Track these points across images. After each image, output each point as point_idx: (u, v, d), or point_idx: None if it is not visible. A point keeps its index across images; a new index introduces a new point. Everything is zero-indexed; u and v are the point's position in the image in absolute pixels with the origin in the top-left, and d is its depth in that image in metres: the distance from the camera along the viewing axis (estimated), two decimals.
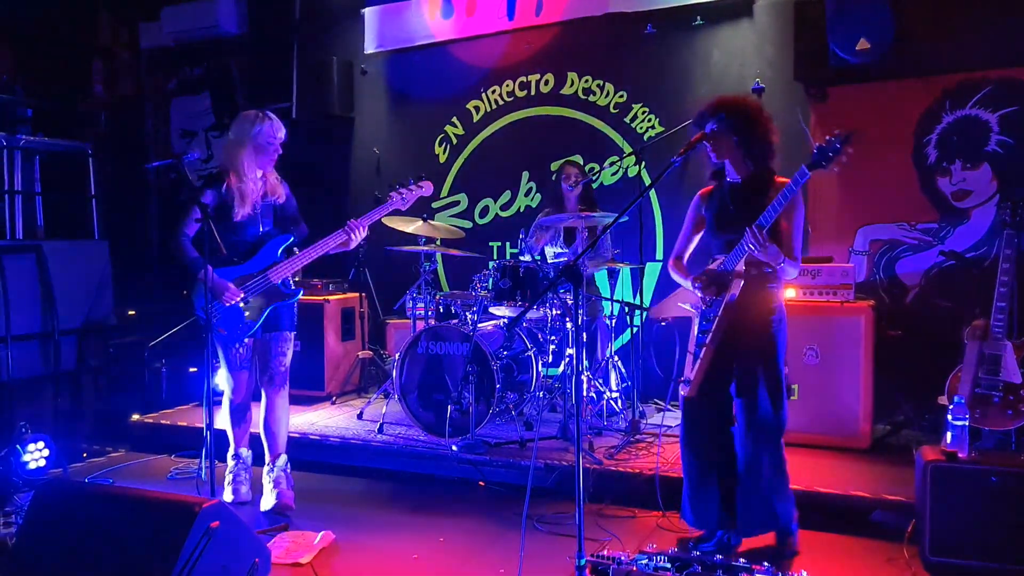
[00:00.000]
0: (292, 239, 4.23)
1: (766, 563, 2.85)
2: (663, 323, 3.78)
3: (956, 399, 3.46)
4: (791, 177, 3.26)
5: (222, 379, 4.27)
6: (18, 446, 4.49)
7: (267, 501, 4.20)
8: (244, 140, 4.07)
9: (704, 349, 3.41)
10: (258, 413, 4.30)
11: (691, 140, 3.59)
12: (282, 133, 4.17)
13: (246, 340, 4.15)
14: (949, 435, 3.42)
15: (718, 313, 3.39)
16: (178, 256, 4.05)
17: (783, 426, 3.44)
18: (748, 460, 3.44)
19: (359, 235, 4.11)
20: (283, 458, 4.28)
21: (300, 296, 4.27)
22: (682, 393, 3.54)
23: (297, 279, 6.23)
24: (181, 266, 4.07)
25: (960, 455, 3.38)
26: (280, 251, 4.18)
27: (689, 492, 3.62)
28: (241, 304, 4.06)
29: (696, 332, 3.52)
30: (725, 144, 3.42)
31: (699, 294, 3.49)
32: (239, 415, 4.30)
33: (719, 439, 3.53)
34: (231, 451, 4.35)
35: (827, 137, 3.12)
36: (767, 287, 3.42)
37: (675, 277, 3.71)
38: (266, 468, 4.28)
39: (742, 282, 3.36)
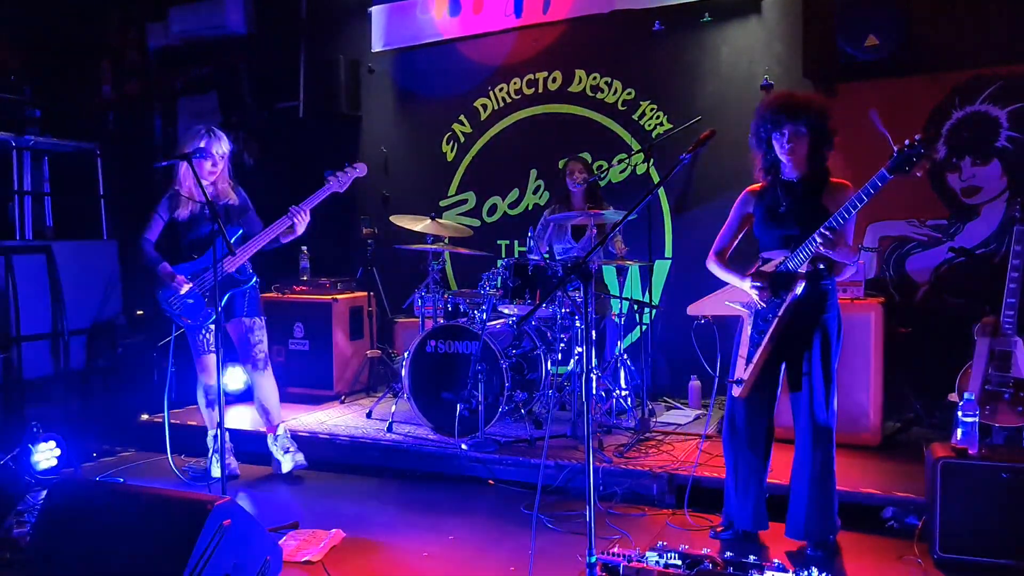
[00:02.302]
0: (241, 231, 4.57)
1: (777, 560, 2.85)
2: (702, 321, 3.78)
3: (966, 396, 3.46)
4: (843, 180, 3.36)
5: (232, 379, 4.49)
6: (30, 445, 4.51)
7: (286, 465, 4.70)
8: (182, 153, 4.43)
9: (760, 349, 3.40)
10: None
11: (699, 137, 3.58)
12: (217, 147, 4.48)
13: (211, 326, 4.53)
14: (959, 432, 3.42)
15: (777, 313, 3.37)
16: (140, 257, 4.55)
17: (832, 427, 3.43)
18: (798, 461, 3.49)
19: (302, 219, 4.42)
20: (283, 427, 4.76)
21: (253, 281, 4.64)
22: (735, 394, 3.52)
23: (305, 278, 6.30)
24: (143, 267, 4.55)
25: (970, 451, 3.37)
26: (232, 243, 4.47)
27: (729, 489, 3.66)
28: (203, 294, 4.47)
29: (750, 332, 3.48)
30: (800, 144, 3.38)
31: (755, 294, 3.45)
32: (211, 397, 4.65)
33: (759, 439, 3.56)
34: (210, 433, 4.74)
35: (907, 141, 3.05)
36: (820, 284, 3.41)
37: (719, 274, 3.65)
38: (270, 439, 4.76)
39: (803, 283, 3.33)
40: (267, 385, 4.70)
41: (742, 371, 3.47)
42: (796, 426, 3.50)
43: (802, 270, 3.34)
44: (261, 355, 4.65)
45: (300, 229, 4.44)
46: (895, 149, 3.08)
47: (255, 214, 4.67)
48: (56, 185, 7.17)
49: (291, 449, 4.73)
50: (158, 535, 2.90)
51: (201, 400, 4.74)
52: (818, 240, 3.22)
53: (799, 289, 3.33)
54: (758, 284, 3.43)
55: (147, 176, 8.08)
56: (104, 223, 7.34)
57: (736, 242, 3.71)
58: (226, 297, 4.50)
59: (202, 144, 4.38)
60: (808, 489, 3.44)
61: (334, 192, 4.48)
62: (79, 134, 7.50)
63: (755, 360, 3.42)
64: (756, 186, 3.61)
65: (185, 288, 4.42)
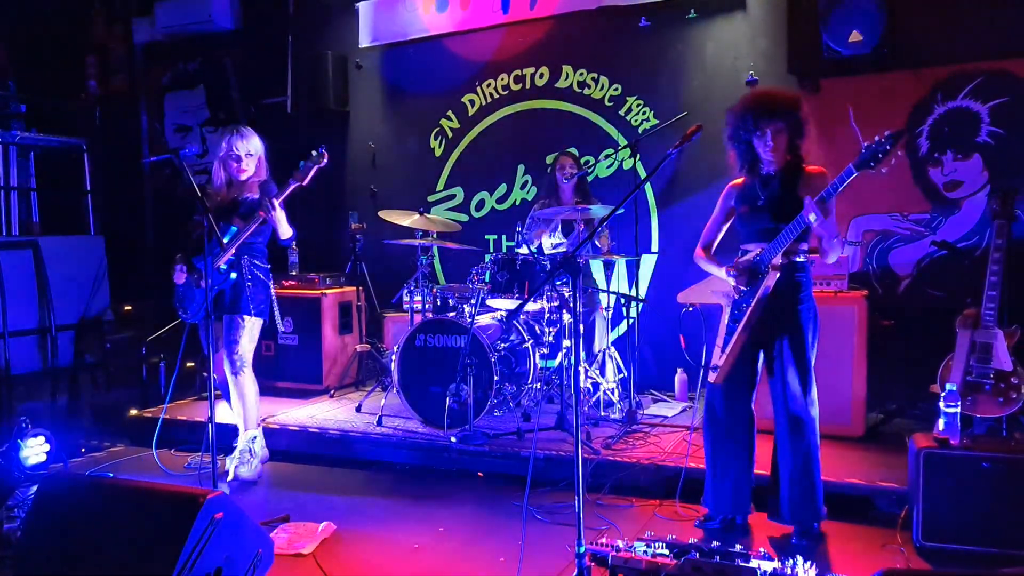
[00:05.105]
0: (235, 229, 4.40)
1: (763, 549, 2.90)
2: (690, 308, 3.86)
3: (948, 387, 3.51)
4: (819, 167, 3.44)
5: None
6: (19, 440, 4.50)
7: (229, 472, 4.54)
8: (218, 152, 4.50)
9: (735, 337, 3.48)
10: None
11: (686, 132, 3.64)
12: (239, 143, 4.46)
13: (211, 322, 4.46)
14: (941, 422, 3.47)
15: (750, 303, 3.45)
16: None
17: (814, 415, 3.49)
18: (778, 449, 3.55)
19: (271, 209, 4.29)
20: (247, 435, 4.61)
21: (231, 281, 4.44)
22: (710, 380, 3.60)
23: (294, 273, 6.31)
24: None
25: (952, 442, 3.43)
26: (227, 240, 4.39)
27: (709, 475, 3.72)
28: (198, 287, 4.44)
29: (727, 320, 3.58)
30: (781, 141, 3.45)
31: (733, 283, 3.55)
32: (223, 391, 4.66)
33: (739, 426, 3.62)
34: (241, 433, 4.66)
35: (875, 137, 3.11)
36: (795, 276, 3.48)
37: (704, 266, 3.75)
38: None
39: (778, 274, 3.41)
40: (234, 387, 4.54)
41: (718, 358, 3.56)
42: (775, 415, 3.57)
43: (776, 262, 3.41)
44: (236, 356, 4.47)
45: (278, 227, 4.36)
46: (863, 145, 3.15)
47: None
48: (42, 180, 7.14)
49: (247, 460, 4.57)
50: (149, 529, 2.91)
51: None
52: (808, 217, 3.24)
53: (771, 280, 3.41)
54: (734, 273, 3.54)
55: (134, 172, 8.07)
56: (91, 218, 7.31)
57: (721, 235, 3.79)
58: (215, 293, 4.42)
59: (224, 146, 4.45)
60: (790, 477, 3.51)
61: (299, 184, 4.33)
62: (65, 129, 7.46)
63: (729, 347, 3.51)
64: (738, 180, 3.68)
65: (180, 278, 4.45)
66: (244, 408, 4.57)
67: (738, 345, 3.50)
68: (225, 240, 4.35)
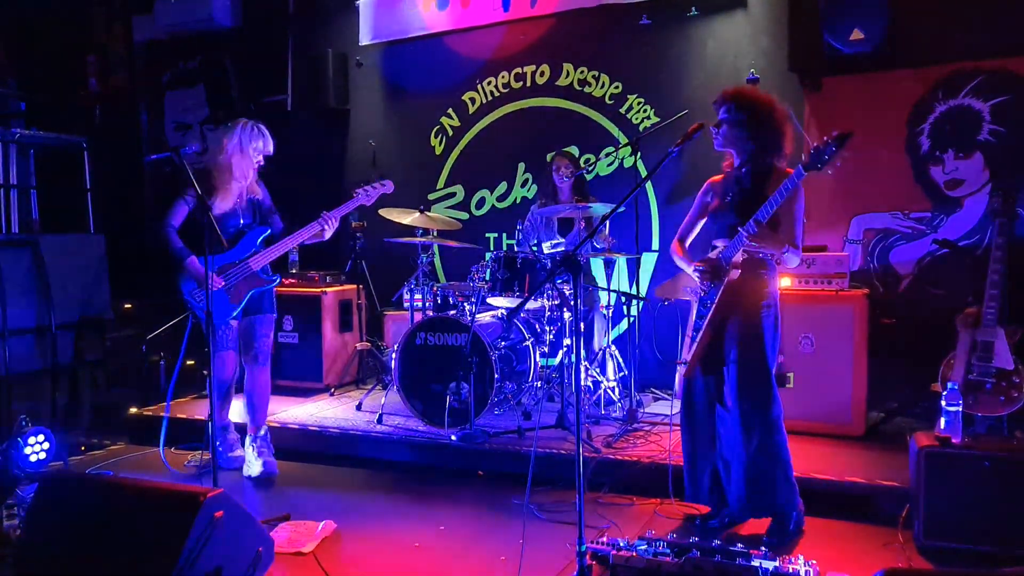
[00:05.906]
0: (269, 231, 4.57)
1: (763, 547, 2.89)
2: (665, 303, 3.90)
3: (949, 385, 3.51)
4: (794, 168, 3.41)
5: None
6: (19, 439, 4.50)
7: (254, 468, 4.59)
8: (236, 145, 4.44)
9: (701, 332, 3.53)
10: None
11: (688, 131, 3.65)
12: (270, 147, 4.55)
13: (231, 322, 4.50)
14: (942, 421, 3.47)
15: (714, 300, 3.50)
16: (163, 245, 4.42)
17: (774, 411, 3.49)
18: (737, 443, 3.53)
19: (332, 226, 4.48)
20: (264, 428, 4.70)
21: (278, 282, 4.63)
22: (679, 373, 3.64)
23: (294, 271, 6.31)
24: (166, 254, 4.43)
25: (954, 440, 3.43)
26: (259, 241, 4.53)
27: (687, 468, 3.76)
28: (226, 289, 4.43)
29: (694, 317, 3.63)
30: (732, 134, 3.50)
31: (698, 280, 3.59)
32: (220, 392, 4.62)
33: (712, 418, 3.64)
34: (224, 427, 4.77)
35: (824, 139, 3.14)
36: (759, 274, 3.52)
37: (676, 260, 3.81)
38: (248, 439, 4.68)
39: (738, 271, 3.47)
40: (262, 381, 4.65)
41: (686, 352, 3.62)
42: (727, 404, 3.55)
43: (736, 259, 3.45)
44: (265, 348, 4.63)
45: (328, 235, 4.47)
46: (813, 146, 3.19)
47: (277, 213, 4.69)
48: (42, 179, 7.12)
49: (266, 455, 4.63)
50: (150, 528, 2.90)
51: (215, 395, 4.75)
52: (743, 234, 3.33)
53: (731, 278, 3.46)
54: (700, 268, 3.59)
55: (134, 170, 8.06)
56: (91, 217, 7.29)
57: (696, 231, 3.83)
58: (248, 295, 4.47)
59: (259, 144, 4.46)
60: (746, 466, 3.49)
61: (361, 204, 4.59)
62: (65, 128, 7.44)
63: (696, 343, 3.55)
64: (717, 177, 3.73)
65: (218, 286, 4.40)
66: (264, 401, 4.67)
67: (704, 341, 3.55)
68: (272, 248, 4.46)
